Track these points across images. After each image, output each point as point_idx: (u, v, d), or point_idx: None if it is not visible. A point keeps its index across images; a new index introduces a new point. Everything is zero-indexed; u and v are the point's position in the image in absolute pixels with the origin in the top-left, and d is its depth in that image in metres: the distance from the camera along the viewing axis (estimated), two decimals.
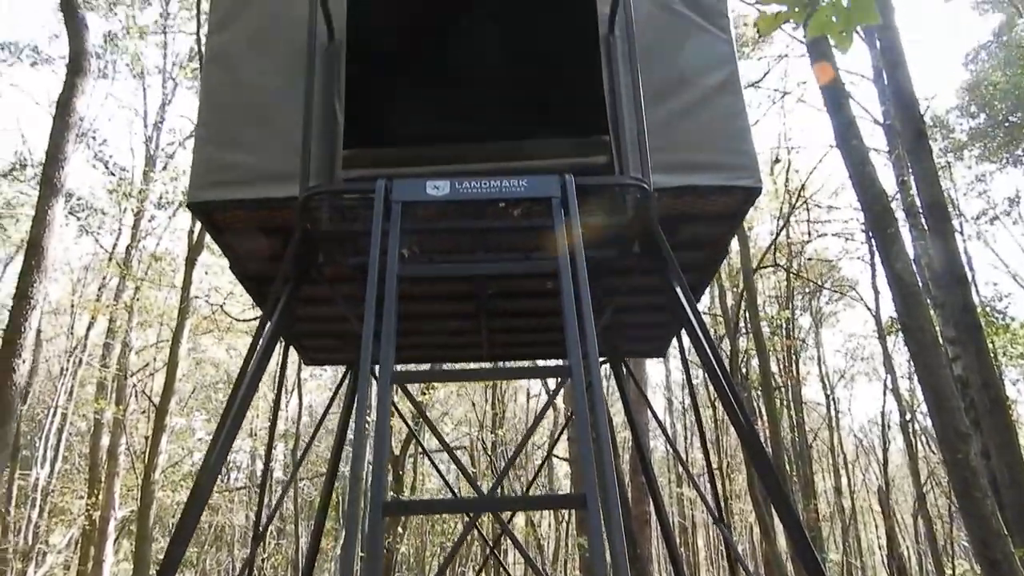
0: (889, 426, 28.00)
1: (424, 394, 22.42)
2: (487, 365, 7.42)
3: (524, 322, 6.32)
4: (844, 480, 29.46)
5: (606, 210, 4.25)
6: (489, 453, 24.20)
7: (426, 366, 9.64)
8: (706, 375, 4.55)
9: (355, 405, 2.78)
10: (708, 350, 4.48)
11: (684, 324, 4.71)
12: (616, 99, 4.47)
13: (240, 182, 4.58)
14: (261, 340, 4.77)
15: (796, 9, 2.10)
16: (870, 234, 22.82)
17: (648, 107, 4.40)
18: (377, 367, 3.30)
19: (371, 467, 2.80)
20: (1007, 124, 24.00)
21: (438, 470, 8.17)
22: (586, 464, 2.86)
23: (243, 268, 5.36)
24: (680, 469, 30.57)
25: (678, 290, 4.55)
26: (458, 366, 7.59)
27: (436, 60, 5.33)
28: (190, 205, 4.72)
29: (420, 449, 25.67)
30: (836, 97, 8.91)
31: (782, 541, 20.47)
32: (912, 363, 8.15)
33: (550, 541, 29.64)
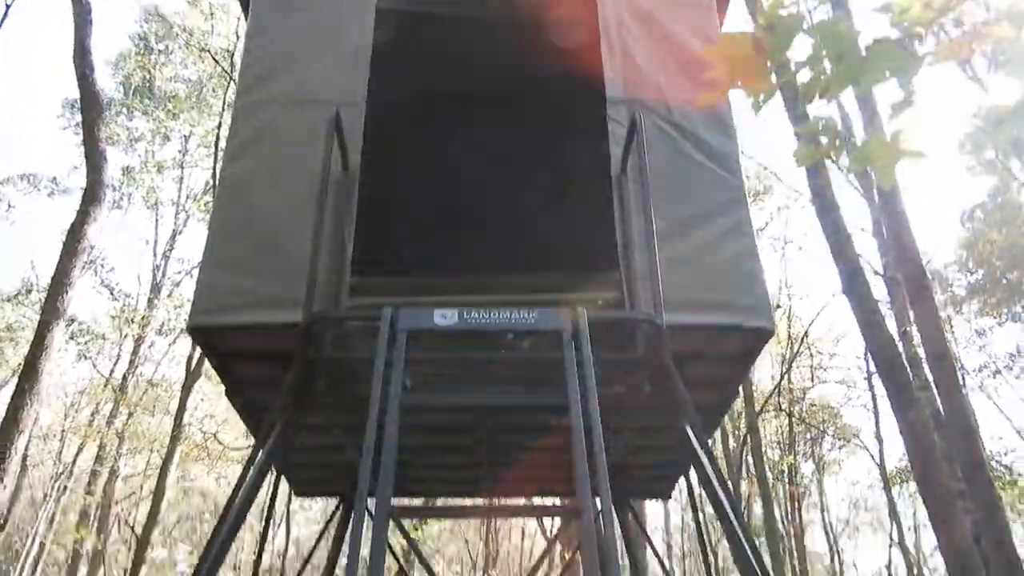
0: None
1: (416, 530, 21.67)
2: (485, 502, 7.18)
3: (527, 458, 6.13)
4: None
5: (616, 346, 4.18)
6: None
7: (420, 501, 9.33)
8: (716, 516, 4.35)
9: (349, 538, 2.62)
10: (720, 490, 4.31)
11: (694, 463, 4.56)
12: (628, 238, 4.49)
13: (243, 307, 4.53)
14: (253, 468, 4.60)
15: (837, 143, 2.09)
16: (871, 382, 22.75)
17: (659, 246, 4.40)
18: (372, 500, 3.15)
19: None
20: (1005, 281, 24.32)
21: None
22: None
23: (240, 394, 5.23)
24: None
25: (688, 429, 4.43)
26: (455, 502, 7.34)
27: (449, 193, 5.41)
28: (190, 329, 4.66)
29: None
30: (842, 247, 9.02)
31: None
32: (928, 517, 7.89)
33: None
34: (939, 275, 26.21)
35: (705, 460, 4.41)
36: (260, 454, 4.63)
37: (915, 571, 24.05)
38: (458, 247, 4.91)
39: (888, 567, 26.21)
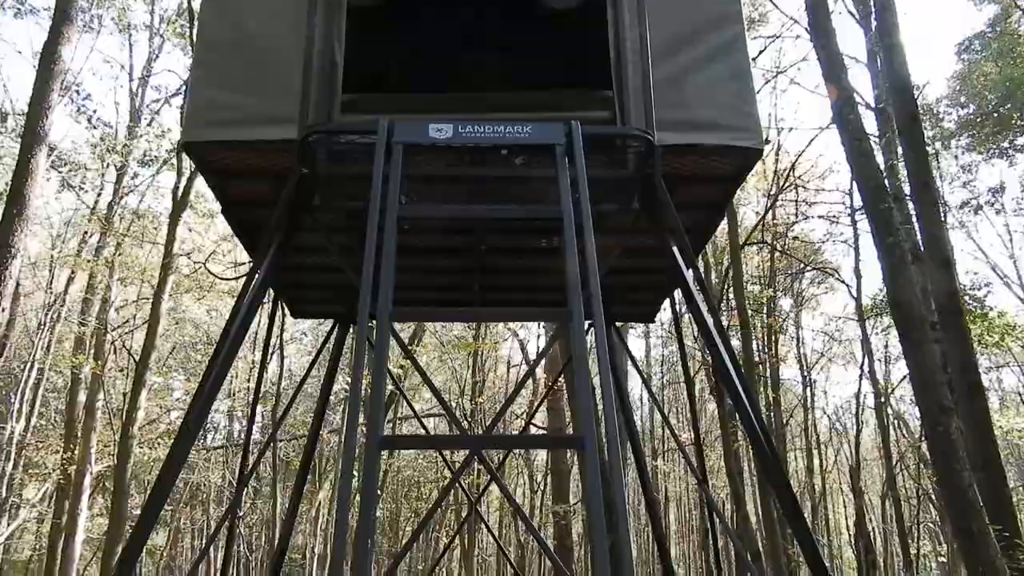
0: (863, 409, 28.44)
1: (406, 359, 22.43)
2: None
3: (518, 280, 6.31)
4: (816, 460, 29.87)
5: (607, 163, 4.22)
6: (468, 419, 24.31)
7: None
8: (699, 334, 4.56)
9: (355, 338, 2.74)
10: (704, 309, 4.49)
11: (680, 284, 4.73)
12: (621, 53, 4.42)
13: (236, 123, 4.50)
14: (251, 288, 4.73)
15: None
16: (854, 218, 23.03)
17: (652, 64, 4.36)
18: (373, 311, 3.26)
19: (369, 400, 2.78)
20: (996, 115, 24.10)
21: (423, 426, 8.21)
22: (584, 408, 2.86)
23: (236, 214, 5.29)
24: (654, 443, 30.86)
25: (675, 250, 4.56)
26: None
27: (442, 7, 5.27)
28: (184, 145, 4.65)
29: (399, 415, 25.76)
30: (836, 72, 8.90)
31: (754, 518, 20.81)
32: (899, 338, 8.24)
33: (524, 510, 29.90)
34: (930, 110, 25.94)
35: (691, 280, 4.57)
36: (257, 273, 4.75)
37: (882, 399, 25.28)
38: (451, 63, 4.85)
39: (857, 394, 27.56)
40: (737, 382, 4.40)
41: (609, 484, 3.21)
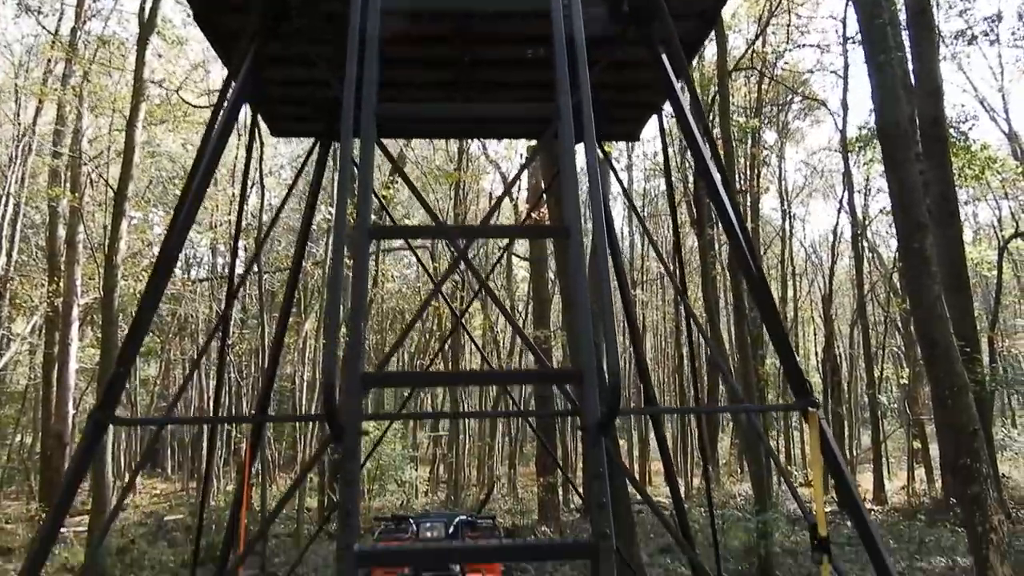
0: (839, 241, 28.95)
1: (388, 188, 22.33)
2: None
3: (503, 95, 6.18)
4: (791, 291, 30.66)
5: None
6: (450, 248, 24.51)
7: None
8: (687, 146, 4.55)
9: (341, 127, 2.68)
10: (693, 121, 4.45)
11: (669, 96, 4.67)
12: None
13: None
14: (227, 99, 4.61)
15: None
16: (845, 47, 22.50)
17: None
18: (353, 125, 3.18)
19: (357, 194, 2.78)
20: None
21: (412, 249, 8.28)
22: (568, 200, 2.88)
23: (209, 21, 5.07)
24: (632, 273, 31.37)
25: (665, 59, 4.47)
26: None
27: None
28: None
29: (383, 247, 25.92)
30: None
31: (728, 346, 21.57)
32: (882, 159, 8.23)
33: (506, 336, 30.82)
34: None
35: (680, 92, 4.50)
36: (233, 83, 4.62)
37: (859, 231, 25.68)
38: None
39: (835, 229, 27.99)
40: (722, 191, 4.43)
41: (597, 284, 3.27)
